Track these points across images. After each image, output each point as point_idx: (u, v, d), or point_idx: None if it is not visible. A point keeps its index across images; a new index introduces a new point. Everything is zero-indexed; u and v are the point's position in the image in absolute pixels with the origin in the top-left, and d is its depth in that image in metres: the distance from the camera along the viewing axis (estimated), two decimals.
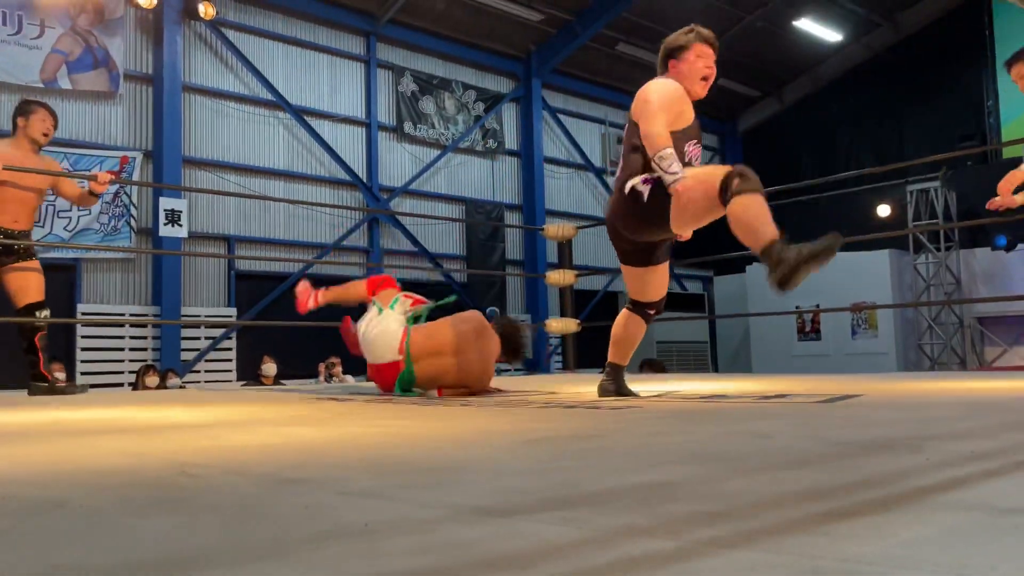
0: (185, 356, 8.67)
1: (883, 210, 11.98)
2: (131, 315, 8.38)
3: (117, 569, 0.76)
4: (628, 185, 2.83)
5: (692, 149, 2.90)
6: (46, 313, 4.18)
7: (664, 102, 2.78)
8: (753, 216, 2.55)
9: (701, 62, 2.92)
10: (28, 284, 4.11)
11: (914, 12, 13.14)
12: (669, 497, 1.06)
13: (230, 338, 9.12)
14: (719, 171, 2.63)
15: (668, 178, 2.61)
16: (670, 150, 2.63)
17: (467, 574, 0.72)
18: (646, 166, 2.80)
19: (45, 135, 4.16)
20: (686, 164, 2.83)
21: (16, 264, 4.11)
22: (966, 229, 11.65)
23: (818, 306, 9.72)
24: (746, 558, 0.74)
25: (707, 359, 13.19)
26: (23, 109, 4.19)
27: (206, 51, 9.26)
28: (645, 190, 2.78)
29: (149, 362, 7.93)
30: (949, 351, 11.59)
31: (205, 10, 8.64)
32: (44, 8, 7.97)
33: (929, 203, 11.69)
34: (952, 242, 11.80)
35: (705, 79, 2.94)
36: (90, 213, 8.04)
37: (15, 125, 4.16)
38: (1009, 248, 10.91)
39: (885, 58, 13.43)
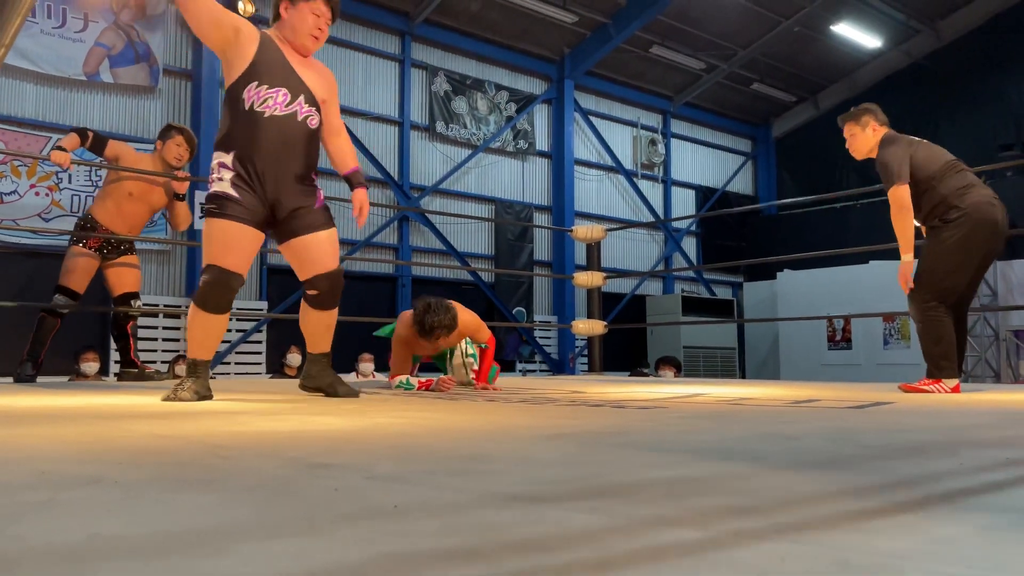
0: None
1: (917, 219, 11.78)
2: (165, 306, 8.51)
3: (154, 538, 0.77)
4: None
5: (260, 93, 2.76)
6: (140, 303, 4.53)
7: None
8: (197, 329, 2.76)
9: (313, 20, 2.85)
10: (124, 277, 4.44)
11: (955, 19, 12.91)
12: (697, 491, 1.06)
13: (260, 331, 9.23)
14: (206, 256, 2.75)
15: None
16: None
17: (494, 555, 0.73)
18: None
19: (178, 159, 4.49)
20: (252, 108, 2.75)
21: (118, 259, 4.44)
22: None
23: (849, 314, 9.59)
24: (775, 549, 0.74)
25: (735, 365, 13.07)
26: (163, 134, 4.53)
27: None
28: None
29: (181, 352, 8.06)
30: (983, 364, 11.36)
31: (244, 7, 8.76)
32: (87, 2, 8.13)
33: None
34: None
35: (316, 38, 2.87)
36: None
37: (156, 147, 4.54)
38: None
39: (924, 65, 13.22)
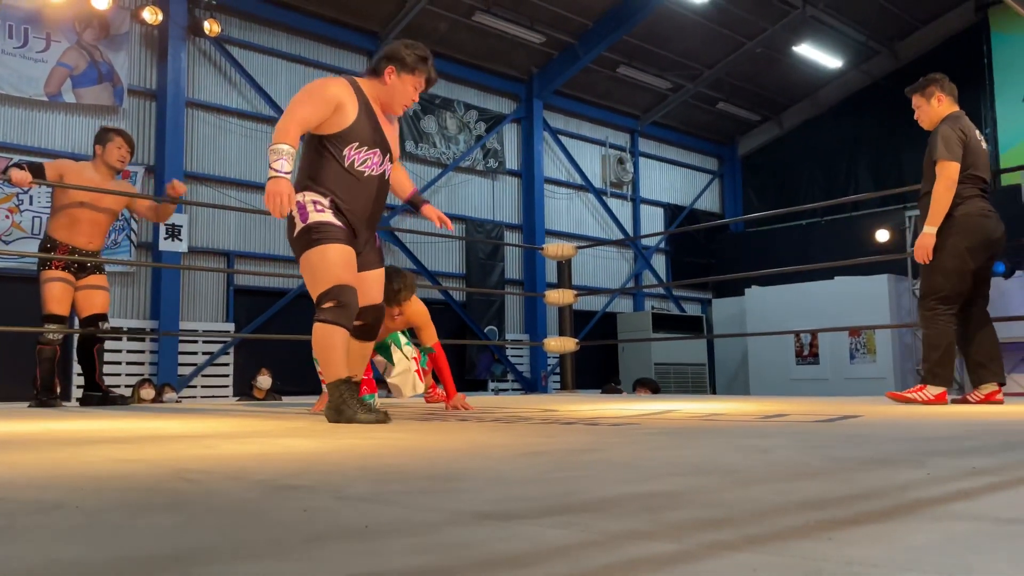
0: (182, 371, 8.64)
1: (882, 235, 12.02)
2: (129, 328, 8.36)
3: (117, 563, 0.75)
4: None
5: (360, 154, 2.90)
6: (107, 325, 4.47)
7: (315, 95, 2.84)
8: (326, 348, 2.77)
9: (412, 93, 2.98)
10: (92, 299, 4.38)
11: (913, 40, 13.27)
12: (671, 505, 1.05)
13: (227, 353, 9.10)
14: (326, 280, 2.77)
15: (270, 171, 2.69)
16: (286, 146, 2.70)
17: (467, 573, 0.72)
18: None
19: (121, 161, 4.43)
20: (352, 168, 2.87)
21: (86, 280, 4.37)
22: None
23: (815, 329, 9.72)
24: (749, 560, 0.74)
25: (705, 381, 13.15)
26: (100, 137, 4.46)
27: (210, 67, 9.32)
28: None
29: (145, 376, 7.91)
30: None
31: (210, 27, 8.71)
32: (50, 22, 8.03)
33: None
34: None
35: (406, 107, 3.03)
36: None
37: (95, 152, 4.46)
38: (1007, 275, 10.92)
39: (884, 85, 13.54)
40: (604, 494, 1.15)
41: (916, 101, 3.84)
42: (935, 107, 3.77)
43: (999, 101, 11.82)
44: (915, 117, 3.88)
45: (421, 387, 4.02)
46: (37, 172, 4.24)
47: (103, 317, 4.45)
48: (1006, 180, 10.11)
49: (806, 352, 12.00)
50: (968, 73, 12.37)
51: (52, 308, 4.24)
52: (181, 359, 8.67)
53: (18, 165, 4.22)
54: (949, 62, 12.72)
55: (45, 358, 4.24)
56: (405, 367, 3.94)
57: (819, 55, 13.10)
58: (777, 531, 0.87)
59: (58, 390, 4.34)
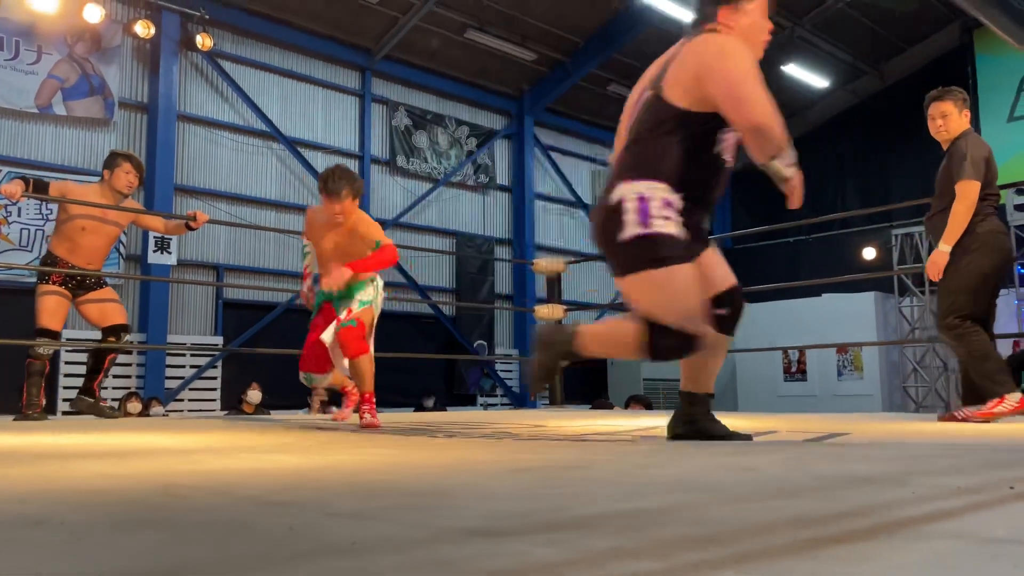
0: (169, 384, 8.59)
1: (868, 253, 12.11)
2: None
3: None
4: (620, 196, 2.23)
5: (727, 139, 2.35)
6: (128, 336, 4.53)
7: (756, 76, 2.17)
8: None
9: (765, 22, 2.34)
10: (107, 310, 4.43)
11: (899, 61, 13.44)
12: (657, 522, 1.06)
13: (215, 367, 9.05)
14: (678, 309, 2.20)
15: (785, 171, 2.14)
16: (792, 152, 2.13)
17: None
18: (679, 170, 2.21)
19: (128, 186, 4.43)
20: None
21: (90, 295, 4.39)
22: None
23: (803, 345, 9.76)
24: None
25: None
26: (109, 162, 4.45)
27: (202, 81, 9.33)
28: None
29: (133, 389, 7.85)
30: (934, 394, 11.63)
31: (202, 41, 8.73)
32: (42, 35, 8.03)
33: (914, 247, 11.82)
34: (936, 286, 11.92)
35: (766, 43, 2.37)
36: None
37: (102, 176, 4.44)
38: None
39: (871, 105, 13.70)
40: (590, 511, 1.15)
41: (944, 108, 3.69)
42: (961, 119, 3.70)
43: (984, 121, 11.96)
44: (935, 126, 3.73)
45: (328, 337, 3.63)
46: (40, 189, 4.27)
47: (124, 328, 4.49)
48: None
49: (794, 369, 12.04)
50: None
51: (44, 322, 4.22)
52: (169, 372, 8.62)
53: (22, 179, 4.23)
54: (935, 83, 12.80)
55: (34, 372, 4.21)
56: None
57: (807, 75, 13.25)
58: (763, 549, 0.88)
59: (43, 404, 4.29)
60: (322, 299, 3.73)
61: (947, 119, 3.71)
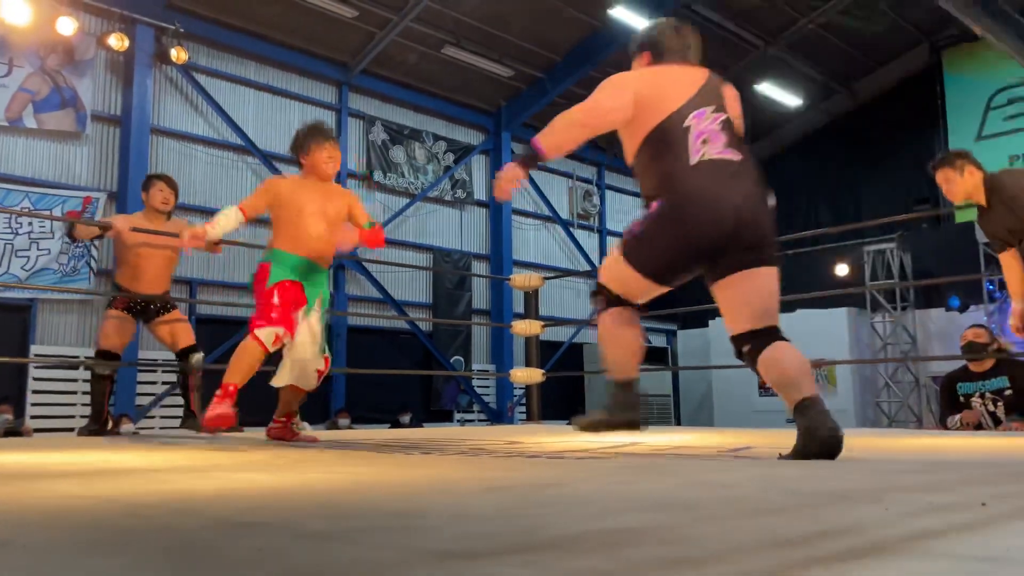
0: (140, 401, 8.45)
1: (841, 269, 12.27)
2: (86, 358, 8.16)
3: None
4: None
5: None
6: (199, 356, 4.76)
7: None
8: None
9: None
10: (177, 333, 4.71)
11: (870, 81, 13.69)
12: (632, 542, 1.05)
13: None
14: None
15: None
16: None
17: None
18: None
19: (164, 203, 4.65)
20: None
21: (161, 319, 4.69)
22: (921, 290, 11.96)
23: None
24: None
25: (670, 412, 13.21)
26: (145, 185, 4.71)
27: (176, 94, 9.26)
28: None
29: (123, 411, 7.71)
30: (906, 409, 11.77)
31: (177, 54, 8.67)
32: (13, 47, 7.93)
33: (885, 263, 12.00)
34: (908, 302, 12.10)
35: None
36: (49, 253, 7.89)
37: (143, 200, 4.70)
38: (962, 309, 11.21)
39: (843, 123, 13.93)
40: (565, 531, 1.14)
41: (943, 176, 3.83)
42: (967, 179, 3.78)
43: (952, 141, 12.21)
44: (945, 191, 3.88)
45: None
46: (90, 230, 4.78)
47: (193, 348, 4.71)
48: (960, 218, 10.40)
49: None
50: (923, 113, 12.79)
51: (105, 344, 4.57)
52: (140, 389, 8.48)
53: (84, 222, 4.45)
54: (905, 102, 13.16)
55: (97, 391, 4.55)
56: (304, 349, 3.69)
57: (780, 94, 13.45)
58: (737, 570, 0.87)
59: (110, 422, 4.66)
60: (285, 277, 3.64)
61: (951, 184, 3.83)
